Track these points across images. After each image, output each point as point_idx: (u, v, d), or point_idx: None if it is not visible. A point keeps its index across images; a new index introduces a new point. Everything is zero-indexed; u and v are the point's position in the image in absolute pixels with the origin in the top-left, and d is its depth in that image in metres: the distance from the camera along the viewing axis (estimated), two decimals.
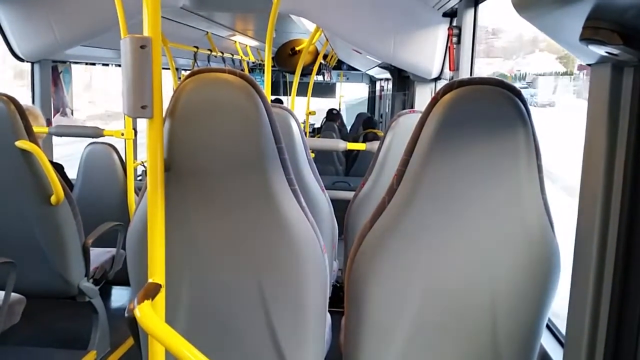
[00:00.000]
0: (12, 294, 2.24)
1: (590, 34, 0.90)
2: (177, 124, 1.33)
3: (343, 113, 10.10)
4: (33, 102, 4.02)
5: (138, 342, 1.51)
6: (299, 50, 5.97)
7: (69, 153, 5.80)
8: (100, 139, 3.42)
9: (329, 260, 1.89)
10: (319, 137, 7.16)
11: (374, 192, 2.44)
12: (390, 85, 7.34)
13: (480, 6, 2.87)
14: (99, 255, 2.96)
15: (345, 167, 6.58)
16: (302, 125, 2.26)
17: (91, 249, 2.70)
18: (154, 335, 1.15)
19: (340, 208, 2.68)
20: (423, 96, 3.95)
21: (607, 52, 0.94)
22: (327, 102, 11.72)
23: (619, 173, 1.09)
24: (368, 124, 7.65)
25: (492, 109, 1.23)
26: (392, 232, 1.30)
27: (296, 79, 4.06)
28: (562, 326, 1.78)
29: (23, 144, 2.36)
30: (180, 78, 5.80)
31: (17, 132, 2.37)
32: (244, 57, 7.69)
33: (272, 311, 1.41)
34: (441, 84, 3.51)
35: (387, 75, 6.59)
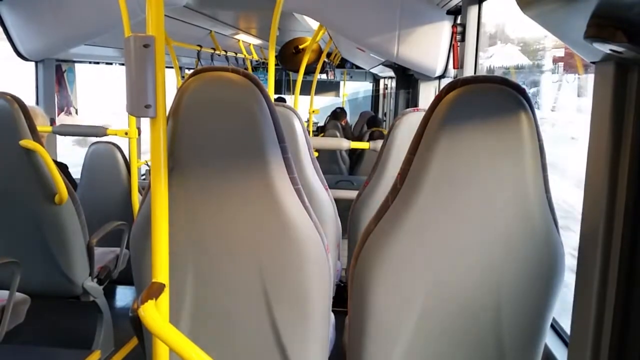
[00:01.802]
0: (17, 293, 2.25)
1: (595, 31, 0.90)
2: (180, 123, 1.33)
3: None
4: (37, 101, 4.03)
5: (142, 342, 1.51)
6: (302, 49, 5.96)
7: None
8: (104, 138, 3.42)
9: (333, 259, 1.89)
10: (322, 136, 7.16)
11: (377, 191, 2.44)
12: (394, 84, 7.33)
13: (484, 3, 2.86)
14: (103, 254, 2.97)
15: (350, 166, 6.58)
16: (305, 124, 2.26)
17: (95, 248, 2.70)
18: (158, 335, 1.16)
19: (344, 207, 2.68)
20: (427, 94, 3.95)
21: (611, 50, 0.93)
22: (326, 99, 11.72)
23: (623, 171, 1.08)
24: (372, 123, 7.63)
25: (496, 107, 1.22)
26: (395, 231, 1.29)
27: (299, 78, 4.05)
28: (566, 325, 1.77)
29: (27, 143, 2.37)
30: (183, 77, 5.81)
31: (20, 132, 2.37)
32: (247, 55, 7.69)
33: (276, 311, 1.41)
34: (445, 82, 3.50)
35: (391, 73, 6.58)
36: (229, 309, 1.43)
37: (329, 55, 8.41)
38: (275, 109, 1.37)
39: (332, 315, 1.70)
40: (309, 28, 5.09)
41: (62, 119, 4.48)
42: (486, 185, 1.24)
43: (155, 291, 1.23)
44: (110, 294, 3.72)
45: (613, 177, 1.10)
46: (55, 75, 4.22)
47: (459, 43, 2.92)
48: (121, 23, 2.74)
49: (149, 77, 1.18)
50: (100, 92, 7.41)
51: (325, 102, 11.60)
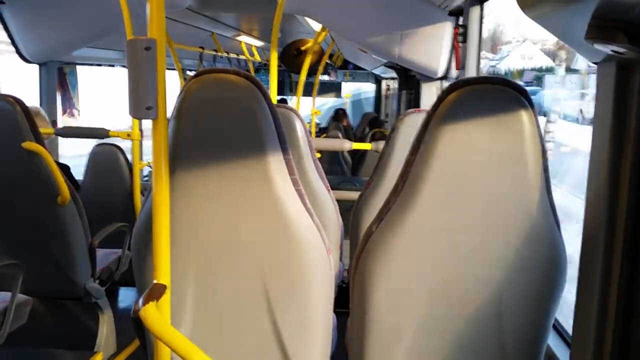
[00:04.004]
0: (19, 295, 2.25)
1: (596, 32, 0.90)
2: (182, 125, 1.33)
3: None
4: (40, 103, 4.03)
5: (144, 343, 1.51)
6: (304, 50, 5.96)
7: None
8: (107, 140, 3.43)
9: (335, 260, 1.88)
10: (324, 136, 7.17)
11: (379, 192, 2.44)
12: (396, 85, 7.32)
13: (486, 4, 2.86)
14: (105, 256, 2.97)
15: (352, 167, 6.58)
16: (307, 125, 2.26)
17: (97, 249, 2.70)
18: (159, 337, 1.16)
19: (347, 208, 2.68)
20: (429, 95, 3.94)
21: (612, 51, 0.93)
22: (328, 101, 11.70)
23: (625, 171, 1.08)
24: (375, 124, 7.62)
25: (498, 108, 1.22)
26: (397, 232, 1.29)
27: (302, 79, 4.05)
28: (568, 325, 1.77)
29: (29, 145, 2.37)
30: (186, 79, 5.80)
31: (23, 134, 2.38)
32: (249, 57, 7.69)
33: (277, 312, 1.41)
34: (447, 83, 3.50)
35: (393, 74, 6.58)
36: (230, 310, 1.43)
37: (331, 56, 8.41)
38: (276, 111, 1.37)
39: (334, 316, 1.70)
40: (311, 30, 5.08)
41: (64, 121, 4.49)
42: (488, 186, 1.24)
43: (157, 292, 1.23)
44: (112, 296, 3.72)
45: (615, 176, 1.09)
46: (58, 77, 4.23)
47: (460, 44, 2.92)
48: (123, 25, 2.75)
49: (150, 80, 1.18)
50: (103, 94, 7.41)
51: (327, 103, 11.60)
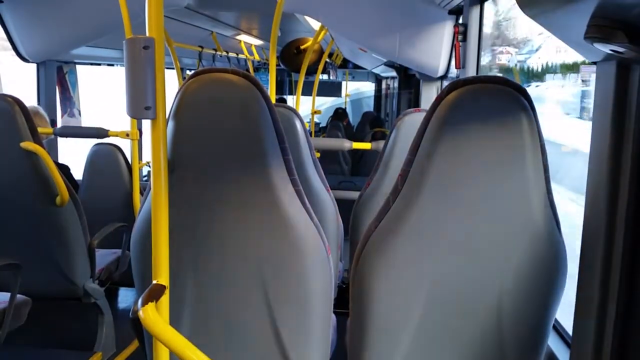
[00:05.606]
0: (18, 295, 2.25)
1: (595, 31, 0.89)
2: (180, 124, 1.33)
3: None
4: (39, 103, 4.03)
5: (143, 344, 1.51)
6: (304, 49, 5.95)
7: None
8: (105, 140, 3.42)
9: (334, 261, 1.88)
10: (324, 136, 7.16)
11: (379, 192, 2.43)
12: (396, 84, 7.32)
13: (486, 3, 2.85)
14: (105, 256, 2.97)
15: (352, 166, 6.58)
16: (307, 125, 2.25)
17: (97, 250, 2.70)
18: (158, 337, 1.15)
19: (346, 208, 2.67)
20: (429, 95, 3.94)
21: (612, 50, 0.93)
22: (328, 100, 11.71)
23: (625, 170, 1.08)
24: (375, 123, 7.63)
25: (497, 107, 1.22)
26: (396, 232, 1.29)
27: (301, 78, 4.05)
28: (568, 326, 1.77)
29: (28, 145, 2.37)
30: (185, 78, 5.78)
31: (21, 134, 2.37)
32: (249, 56, 7.68)
33: (277, 313, 1.40)
34: (447, 82, 3.49)
35: (393, 73, 6.58)
36: (229, 310, 1.43)
37: (330, 55, 8.42)
38: (275, 110, 1.37)
39: (334, 316, 1.70)
40: (311, 29, 5.08)
41: (65, 122, 4.48)
42: (487, 185, 1.24)
43: (156, 293, 1.22)
44: (111, 296, 3.71)
45: (615, 175, 1.09)
46: (57, 77, 4.23)
47: (460, 43, 2.92)
48: (122, 24, 2.74)
49: (148, 79, 1.18)
50: (105, 94, 7.40)
51: (327, 103, 11.61)
